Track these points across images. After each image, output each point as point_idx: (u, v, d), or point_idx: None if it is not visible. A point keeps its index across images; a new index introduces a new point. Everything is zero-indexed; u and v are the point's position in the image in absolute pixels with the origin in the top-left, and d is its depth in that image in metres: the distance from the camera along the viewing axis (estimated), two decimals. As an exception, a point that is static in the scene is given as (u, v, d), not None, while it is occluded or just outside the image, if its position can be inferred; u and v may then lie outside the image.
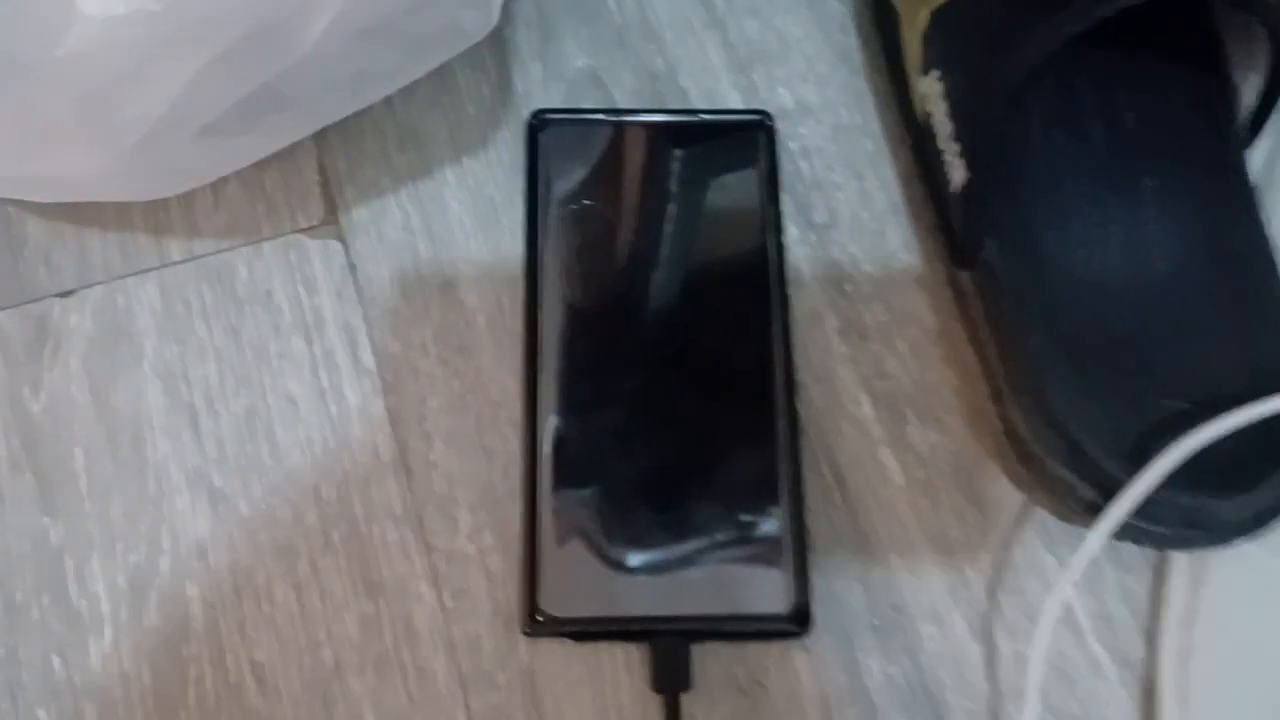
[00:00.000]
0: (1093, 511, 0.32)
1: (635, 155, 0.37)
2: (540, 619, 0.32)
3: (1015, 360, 0.33)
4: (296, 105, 0.28)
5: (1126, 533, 0.31)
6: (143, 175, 0.29)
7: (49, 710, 0.32)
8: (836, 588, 0.34)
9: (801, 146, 0.38)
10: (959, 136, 0.34)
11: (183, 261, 0.36)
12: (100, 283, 0.36)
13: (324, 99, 0.28)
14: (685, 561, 0.33)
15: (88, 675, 0.32)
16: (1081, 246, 0.33)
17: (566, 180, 0.36)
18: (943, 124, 0.34)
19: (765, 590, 0.32)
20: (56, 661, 0.32)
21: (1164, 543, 0.32)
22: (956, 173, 0.34)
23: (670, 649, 0.32)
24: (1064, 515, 0.34)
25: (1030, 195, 0.33)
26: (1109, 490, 0.31)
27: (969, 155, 0.33)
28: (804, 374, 0.35)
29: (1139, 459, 0.30)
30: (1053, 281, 0.33)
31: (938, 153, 0.35)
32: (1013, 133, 0.33)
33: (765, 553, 0.33)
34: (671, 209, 0.36)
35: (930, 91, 0.35)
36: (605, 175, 0.37)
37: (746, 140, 0.37)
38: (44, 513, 0.34)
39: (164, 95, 0.24)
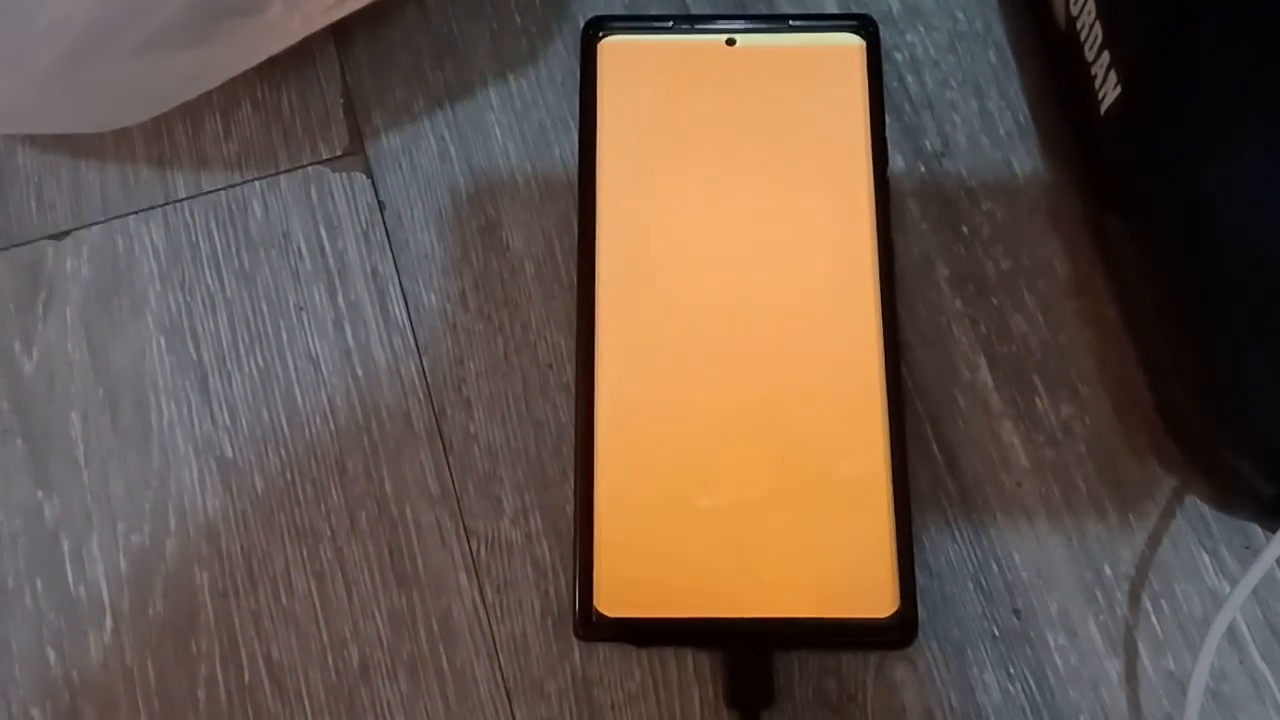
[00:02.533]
0: (1271, 509, 0.26)
1: (710, 72, 0.31)
2: (596, 621, 0.27)
3: (1178, 323, 0.27)
4: (263, 8, 0.22)
5: (1311, 535, 0.25)
6: (72, 103, 0.24)
7: (44, 709, 0.28)
8: (947, 589, 0.28)
9: (909, 58, 0.32)
10: (1112, 44, 0.28)
11: (190, 198, 0.32)
12: (98, 222, 0.32)
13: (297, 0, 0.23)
14: (767, 556, 0.28)
15: (86, 671, 0.29)
16: (1263, 183, 0.26)
17: (629, 102, 0.31)
18: (1091, 29, 0.28)
19: (863, 592, 0.27)
20: (52, 655, 0.29)
21: (1359, 548, 0.26)
22: (1108, 90, 0.28)
23: (749, 658, 0.28)
24: (1229, 508, 0.28)
25: (1201, 119, 0.27)
26: (1295, 486, 0.25)
27: (1125, 68, 0.27)
28: (910, 334, 0.30)
29: (1336, 449, 0.24)
30: (1228, 225, 0.26)
31: (1083, 65, 0.29)
32: (1182, 41, 0.27)
33: (863, 548, 0.28)
34: (752, 136, 0.31)
35: (1076, -12, 0.28)
36: (674, 96, 0.31)
37: (843, 52, 0.31)
38: (37, 485, 0.30)
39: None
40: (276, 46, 0.25)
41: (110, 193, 0.32)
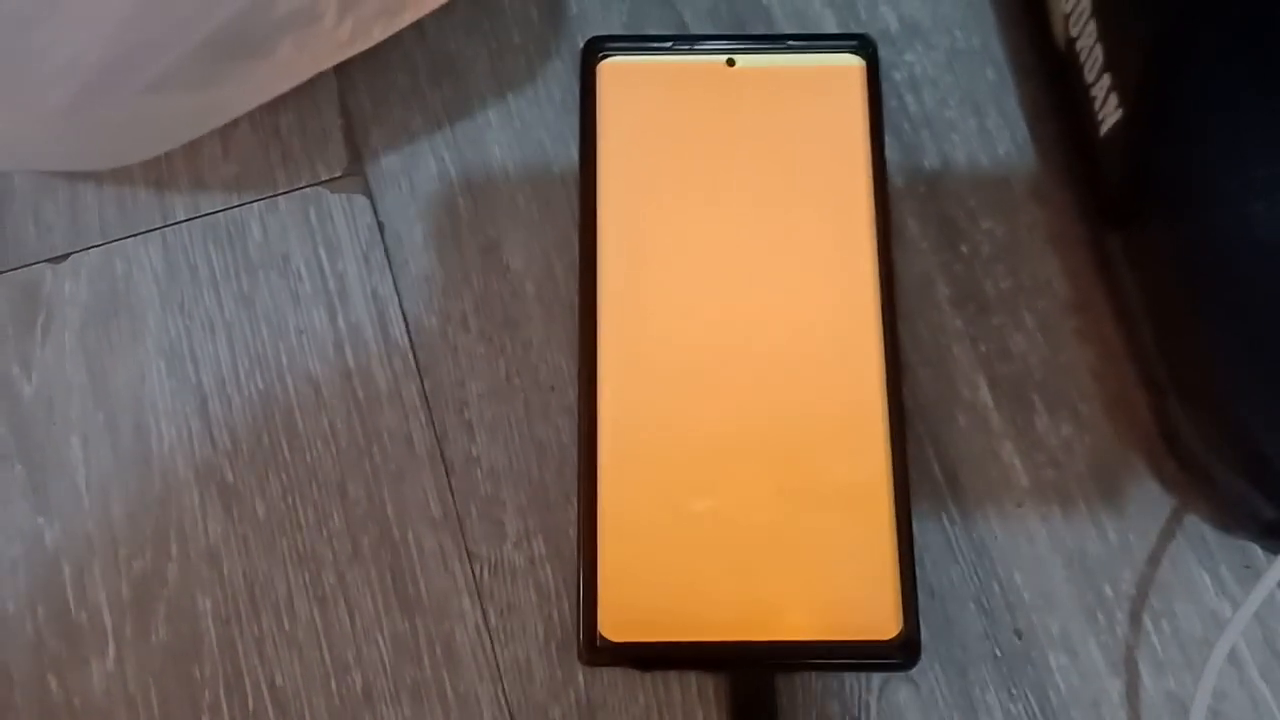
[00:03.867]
0: (1272, 531, 0.26)
1: (710, 92, 0.31)
2: (601, 646, 0.27)
3: (1179, 342, 0.27)
4: (273, 49, 0.22)
5: (1312, 556, 0.26)
6: (85, 142, 0.24)
7: (47, 737, 0.28)
8: (949, 610, 0.28)
9: (908, 77, 0.32)
10: (1112, 65, 0.28)
11: (188, 220, 0.32)
12: (96, 245, 0.32)
13: (310, 40, 0.23)
14: (770, 578, 0.28)
15: (88, 698, 0.28)
16: (1266, 204, 0.26)
17: (629, 122, 0.31)
18: (1092, 51, 0.28)
19: (866, 614, 0.27)
20: (53, 682, 0.29)
21: (1359, 569, 0.26)
22: (1108, 110, 0.28)
23: (753, 680, 0.27)
24: (1229, 529, 0.28)
25: (1203, 141, 0.27)
26: (1297, 508, 0.25)
27: (1127, 89, 0.27)
28: (911, 354, 0.30)
29: (1337, 471, 0.25)
30: (1229, 246, 0.27)
31: (1083, 86, 0.29)
32: (1184, 65, 0.27)
33: (866, 570, 0.28)
34: (753, 156, 0.31)
35: (1076, 9, 0.28)
36: (674, 117, 0.31)
37: (843, 72, 0.31)
38: (37, 511, 0.30)
39: (94, 38, 0.19)
40: (285, 86, 0.25)
41: (108, 215, 0.32)
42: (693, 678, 0.28)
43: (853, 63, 0.31)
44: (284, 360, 0.31)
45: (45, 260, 0.31)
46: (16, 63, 0.20)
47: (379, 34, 0.24)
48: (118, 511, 0.30)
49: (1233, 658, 0.28)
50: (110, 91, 0.21)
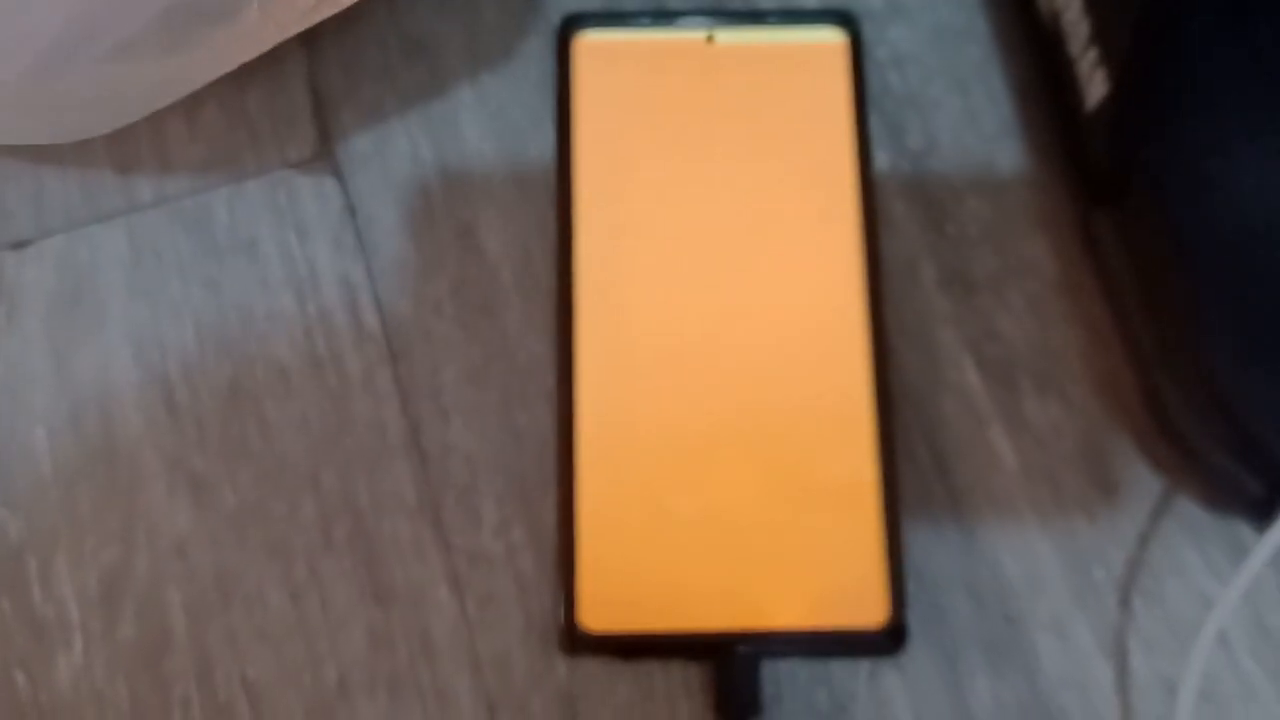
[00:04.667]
0: (1261, 509, 0.26)
1: (689, 69, 0.31)
2: (581, 635, 0.27)
3: (1166, 322, 0.27)
4: (238, 14, 0.21)
5: (1303, 535, 0.25)
6: (39, 114, 0.23)
7: (12, 735, 0.28)
8: (938, 596, 0.28)
9: (892, 54, 0.32)
10: (1099, 40, 0.27)
11: (154, 205, 0.31)
12: (60, 231, 0.31)
13: (276, 5, 0.22)
14: (755, 565, 0.27)
15: (55, 694, 0.28)
16: (1253, 180, 0.26)
17: (606, 101, 0.30)
18: (1077, 25, 0.28)
19: (853, 600, 0.27)
20: (20, 677, 0.28)
21: (1350, 548, 0.26)
22: (1094, 86, 0.27)
23: (738, 668, 0.27)
24: (1219, 508, 0.28)
25: (1190, 115, 0.26)
26: (1287, 487, 0.25)
27: (1113, 64, 0.27)
28: (896, 337, 0.29)
29: (1327, 449, 0.24)
30: (1216, 224, 0.26)
31: (1068, 61, 0.28)
32: (1171, 37, 0.26)
33: (852, 555, 0.27)
34: (734, 135, 0.30)
35: (1061, -18, 0.28)
36: (653, 94, 0.30)
37: (825, 48, 0.31)
38: (1, 503, 0.29)
39: (55, 4, 0.18)
40: (249, 54, 0.24)
41: (72, 200, 0.31)
42: (675, 667, 0.28)
43: (836, 39, 0.31)
44: (253, 347, 0.30)
45: (7, 247, 0.31)
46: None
47: None
48: (84, 503, 0.29)
49: (1222, 639, 0.28)
50: (71, 60, 0.20)
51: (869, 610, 0.27)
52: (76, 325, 0.30)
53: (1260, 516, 0.26)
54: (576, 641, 0.27)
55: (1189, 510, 0.28)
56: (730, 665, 0.27)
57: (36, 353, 0.30)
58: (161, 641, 0.28)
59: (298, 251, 0.30)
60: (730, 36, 0.31)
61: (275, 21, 0.22)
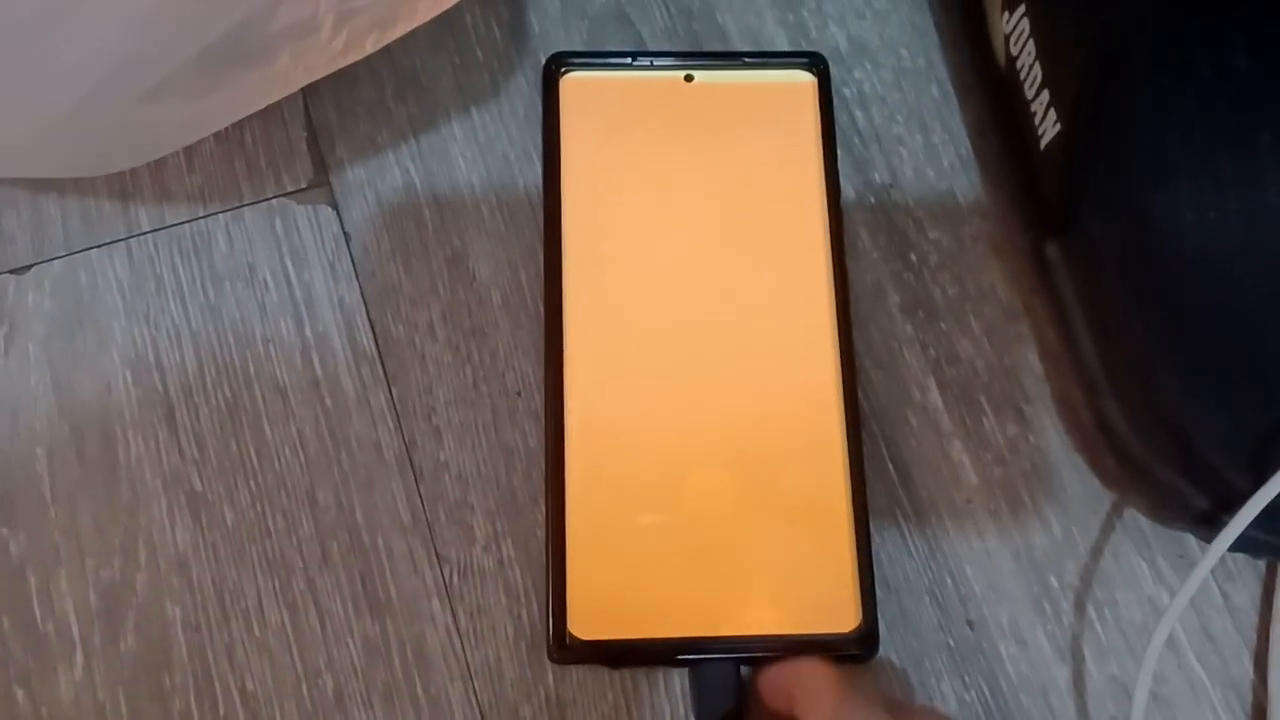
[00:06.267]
0: (1204, 520, 0.28)
1: (669, 107, 0.32)
2: (570, 644, 0.28)
3: (1115, 346, 0.29)
4: (271, 60, 0.23)
5: (1241, 544, 0.27)
6: (83, 146, 0.24)
7: (13, 748, 0.28)
8: (904, 603, 0.30)
9: (857, 94, 0.34)
10: (1050, 83, 0.29)
11: (153, 231, 0.32)
12: (60, 256, 0.32)
13: (307, 51, 0.23)
14: (734, 575, 0.29)
15: (56, 709, 0.28)
16: (1193, 211, 0.28)
17: (591, 136, 0.32)
18: (1031, 69, 0.30)
19: (826, 608, 0.28)
20: (20, 694, 0.29)
21: (1284, 555, 0.28)
22: (1047, 127, 0.29)
23: (718, 674, 0.28)
24: (1165, 520, 0.30)
25: (1135, 152, 0.28)
26: (1226, 499, 0.27)
27: (1063, 106, 0.29)
28: (864, 358, 0.31)
29: (1262, 464, 0.26)
30: (1159, 253, 0.28)
31: (1023, 103, 0.30)
32: (1117, 81, 0.28)
33: (825, 565, 0.29)
34: (711, 168, 0.32)
35: (1015, 31, 0.30)
36: (635, 130, 0.32)
37: (796, 88, 0.33)
38: (1, 523, 0.30)
39: (104, 43, 0.19)
40: (279, 94, 0.26)
41: (72, 226, 0.32)
42: (661, 674, 0.29)
43: (805, 79, 0.33)
44: (251, 369, 0.31)
45: (8, 271, 0.31)
46: (25, 67, 0.20)
47: (371, 46, 0.25)
48: (85, 521, 0.30)
49: (1171, 643, 0.29)
50: (111, 98, 0.21)
51: (842, 617, 0.28)
52: (76, 348, 0.31)
53: (1205, 528, 0.28)
54: (566, 650, 0.28)
55: (1137, 522, 0.30)
56: (709, 671, 0.28)
57: (37, 375, 0.31)
58: (162, 656, 0.29)
59: (294, 277, 0.31)
60: (707, 76, 0.32)
61: (305, 65, 0.23)
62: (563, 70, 0.32)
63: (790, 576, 0.29)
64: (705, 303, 0.31)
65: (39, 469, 0.30)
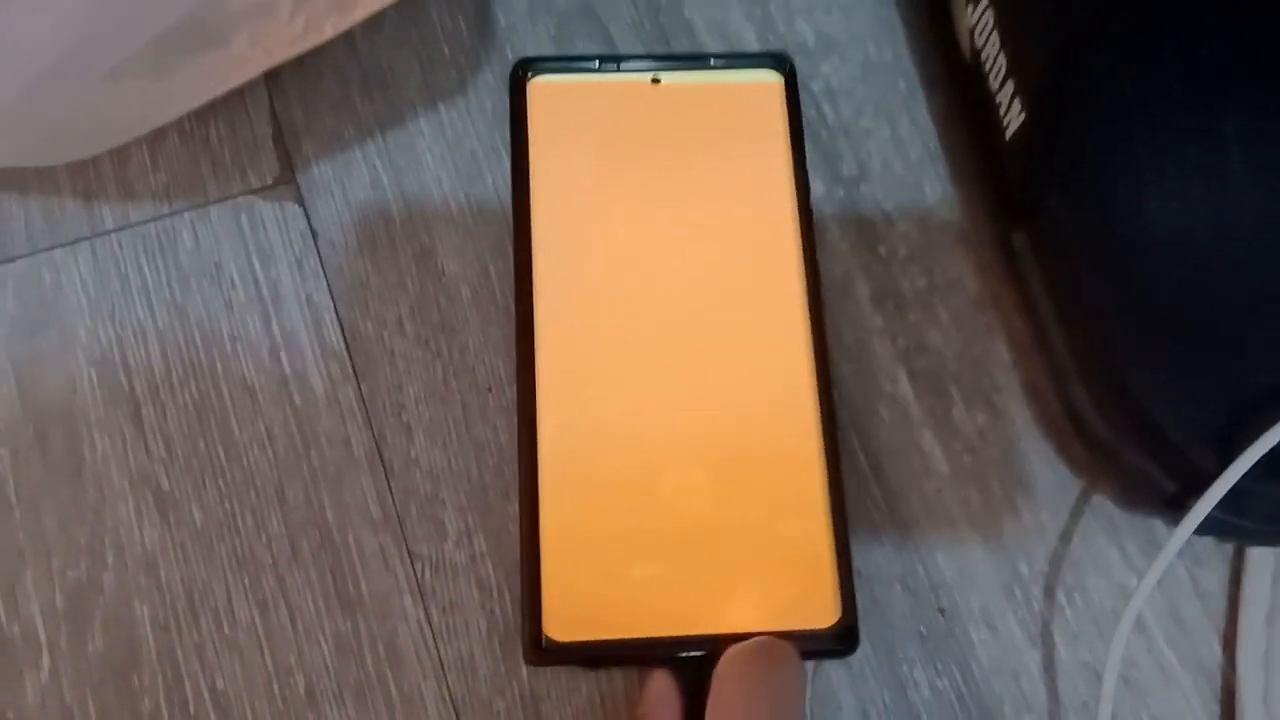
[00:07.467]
0: (1172, 504, 0.28)
1: (636, 109, 0.32)
2: (546, 647, 0.27)
3: (1080, 332, 0.29)
4: (229, 41, 0.22)
5: (1207, 527, 0.27)
6: (37, 132, 0.24)
7: (-22, 754, 0.28)
8: (876, 592, 0.30)
9: (825, 88, 0.34)
10: (1015, 73, 0.29)
11: (117, 230, 0.32)
12: (23, 256, 0.31)
13: (265, 34, 0.23)
14: (711, 573, 0.28)
15: (23, 712, 0.28)
16: (1157, 200, 0.29)
17: (559, 140, 0.32)
18: (995, 60, 0.30)
19: (805, 604, 0.28)
20: (-15, 697, 0.28)
21: (1251, 538, 0.29)
22: (1011, 116, 0.30)
23: (693, 671, 0.28)
24: (1133, 505, 0.30)
25: (1099, 141, 0.29)
26: (1193, 482, 0.27)
27: (1028, 95, 0.29)
28: (835, 350, 0.31)
29: (1227, 446, 0.26)
30: (1124, 240, 0.28)
31: (988, 94, 0.31)
32: (1080, 70, 0.29)
33: (803, 561, 0.29)
34: (680, 169, 0.32)
35: (980, 22, 0.30)
36: (603, 133, 0.32)
37: (763, 88, 0.33)
38: (-35, 525, 0.29)
39: (58, 23, 0.19)
40: (238, 79, 0.25)
41: (34, 225, 0.31)
42: (635, 669, 0.29)
43: (772, 79, 0.33)
44: (219, 367, 0.31)
45: (-31, 272, 0.31)
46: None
47: (330, 30, 0.25)
48: (50, 522, 0.29)
49: (1141, 627, 0.30)
50: (67, 82, 0.21)
51: (821, 613, 0.28)
52: (40, 348, 0.31)
53: (1172, 513, 0.28)
54: (542, 653, 0.27)
55: (1106, 508, 0.31)
56: (685, 668, 0.28)
57: (0, 375, 0.30)
58: (130, 656, 0.28)
59: (261, 274, 0.31)
60: (674, 78, 0.32)
61: (263, 48, 0.23)
62: (530, 75, 0.32)
63: (768, 573, 0.29)
64: (678, 302, 0.31)
65: (2, 470, 0.30)
